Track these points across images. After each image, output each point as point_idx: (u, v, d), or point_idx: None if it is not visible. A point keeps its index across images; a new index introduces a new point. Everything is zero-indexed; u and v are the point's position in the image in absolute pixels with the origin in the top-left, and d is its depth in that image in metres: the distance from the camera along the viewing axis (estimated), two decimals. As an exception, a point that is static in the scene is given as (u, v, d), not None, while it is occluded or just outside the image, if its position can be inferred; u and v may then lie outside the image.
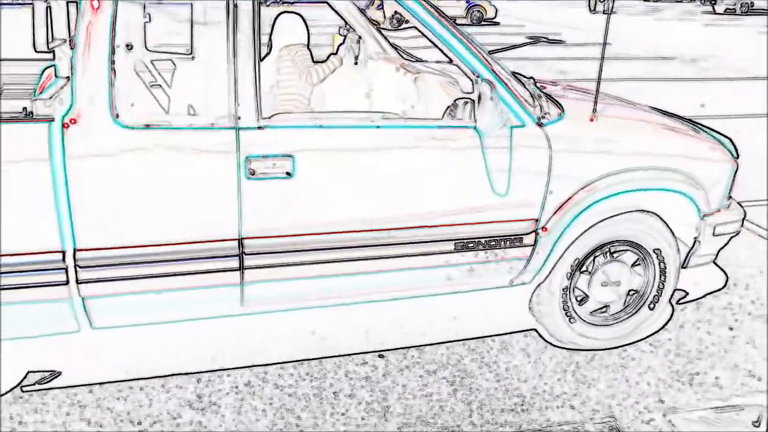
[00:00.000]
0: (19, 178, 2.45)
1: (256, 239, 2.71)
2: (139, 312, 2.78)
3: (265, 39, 3.58)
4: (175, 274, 2.68)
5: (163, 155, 2.55)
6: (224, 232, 2.68)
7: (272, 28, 3.53)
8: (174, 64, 3.09)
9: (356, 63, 4.19)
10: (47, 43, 2.67)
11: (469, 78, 2.88)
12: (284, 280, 2.81)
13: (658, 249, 3.32)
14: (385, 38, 4.20)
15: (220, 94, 2.57)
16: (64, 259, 2.57)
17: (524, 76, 3.46)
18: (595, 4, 24.60)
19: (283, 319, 3.06)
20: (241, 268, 2.73)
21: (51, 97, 2.54)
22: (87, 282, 2.61)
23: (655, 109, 3.86)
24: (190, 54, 2.77)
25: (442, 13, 2.97)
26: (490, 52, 2.99)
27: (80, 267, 2.59)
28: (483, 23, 20.42)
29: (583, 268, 3.29)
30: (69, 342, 2.84)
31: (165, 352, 3.12)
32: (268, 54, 3.66)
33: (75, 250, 2.57)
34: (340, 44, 3.95)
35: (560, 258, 3.17)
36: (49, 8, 2.68)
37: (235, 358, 3.13)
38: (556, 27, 18.43)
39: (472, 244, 2.99)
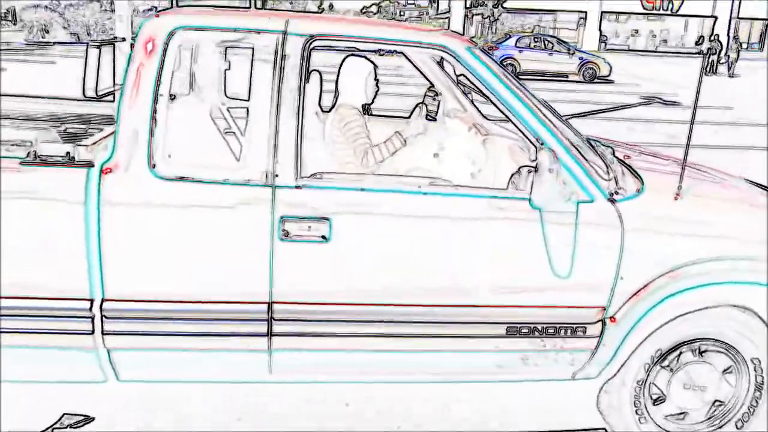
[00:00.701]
0: (56, 221, 2.42)
1: (287, 304, 2.54)
2: (165, 369, 2.66)
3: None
4: (201, 334, 2.55)
5: (196, 209, 2.45)
6: (254, 294, 2.53)
7: (338, 73, 3.36)
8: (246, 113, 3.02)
9: (434, 119, 4.02)
10: (96, 88, 2.67)
11: (532, 144, 2.62)
12: (315, 350, 2.62)
13: (756, 359, 2.84)
14: (466, 94, 4.00)
15: (259, 148, 2.46)
16: (91, 308, 2.50)
17: (602, 144, 3.15)
18: (732, 69, 23.18)
19: (315, 387, 2.86)
20: (270, 334, 2.56)
21: (95, 143, 2.52)
22: (112, 334, 2.53)
23: (756, 184, 3.40)
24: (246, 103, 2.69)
25: (502, 66, 2.75)
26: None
27: (107, 318, 2.51)
28: (596, 81, 19.85)
29: (665, 363, 2.86)
30: (100, 390, 2.77)
31: (192, 408, 2.99)
32: (334, 103, 3.50)
33: (103, 300, 2.50)
34: (415, 107, 3.77)
35: (633, 352, 2.78)
36: (99, 51, 2.68)
37: (262, 423, 2.95)
38: (674, 87, 17.56)
39: (526, 330, 2.67)
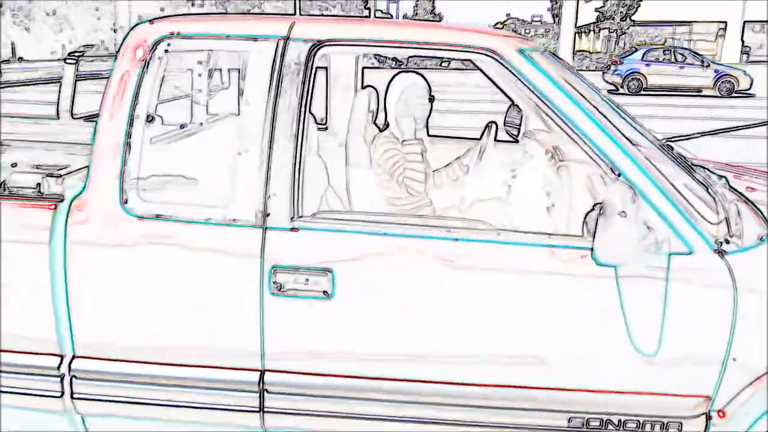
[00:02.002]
0: (21, 263, 2.07)
1: (282, 374, 2.03)
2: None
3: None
4: (181, 406, 2.09)
5: (173, 253, 2.01)
6: (243, 359, 2.05)
7: (387, 89, 2.84)
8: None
9: (515, 140, 3.41)
10: (71, 110, 2.31)
11: (606, 175, 1.97)
12: None
13: None
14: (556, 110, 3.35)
15: (248, 180, 1.98)
16: (59, 366, 2.12)
17: (712, 172, 2.42)
18: None
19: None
20: (262, 410, 2.06)
21: (70, 173, 2.16)
22: (84, 398, 2.13)
23: None
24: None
25: (572, 70, 2.12)
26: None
27: (77, 378, 2.12)
28: (734, 95, 18.03)
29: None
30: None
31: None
32: (385, 126, 2.98)
33: (73, 357, 2.12)
34: (486, 127, 3.18)
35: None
36: (77, 66, 2.31)
37: None
38: (826, 100, 15.51)
39: (597, 423, 2.00)
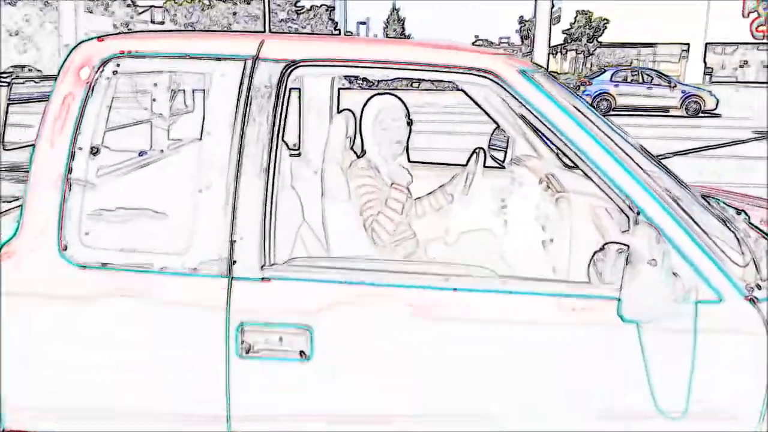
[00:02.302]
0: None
1: (251, 444, 1.74)
2: None
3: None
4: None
5: (123, 308, 1.71)
6: (204, 423, 1.74)
7: (362, 113, 2.58)
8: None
9: (502, 166, 3.17)
10: (2, 138, 1.99)
11: (622, 212, 1.73)
12: None
13: None
14: (542, 136, 3.12)
15: (211, 223, 1.69)
16: (-12, 444, 1.79)
17: (727, 205, 2.20)
18: None
19: None
20: (228, 485, 1.76)
21: (5, 212, 1.85)
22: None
23: None
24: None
25: (586, 101, 1.89)
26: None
27: (8, 457, 1.79)
28: (701, 115, 18.22)
29: None
30: None
31: None
32: (362, 152, 2.71)
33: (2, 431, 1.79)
34: (472, 153, 2.93)
35: None
36: (9, 89, 1.99)
37: None
38: (791, 121, 15.73)
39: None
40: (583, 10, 33.80)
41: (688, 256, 1.67)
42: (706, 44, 33.99)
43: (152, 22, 31.78)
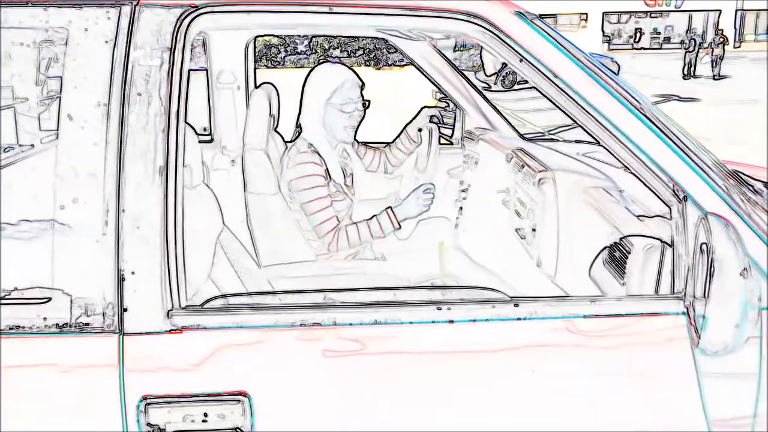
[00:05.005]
0: None
1: None
2: None
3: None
4: None
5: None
6: None
7: (305, 83, 2.04)
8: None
9: (449, 143, 2.71)
10: None
11: (661, 199, 1.29)
12: None
13: None
14: (494, 107, 2.69)
15: (83, 254, 1.13)
16: None
17: (746, 176, 1.81)
18: (716, 69, 17.90)
19: None
20: None
21: None
22: None
23: None
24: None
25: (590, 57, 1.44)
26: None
27: None
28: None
29: None
30: None
31: None
32: (296, 134, 2.17)
33: None
34: (413, 118, 2.45)
35: None
36: None
37: None
38: (681, 83, 16.18)
39: None
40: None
41: (753, 257, 1.24)
42: (603, 13, 35.02)
43: None
